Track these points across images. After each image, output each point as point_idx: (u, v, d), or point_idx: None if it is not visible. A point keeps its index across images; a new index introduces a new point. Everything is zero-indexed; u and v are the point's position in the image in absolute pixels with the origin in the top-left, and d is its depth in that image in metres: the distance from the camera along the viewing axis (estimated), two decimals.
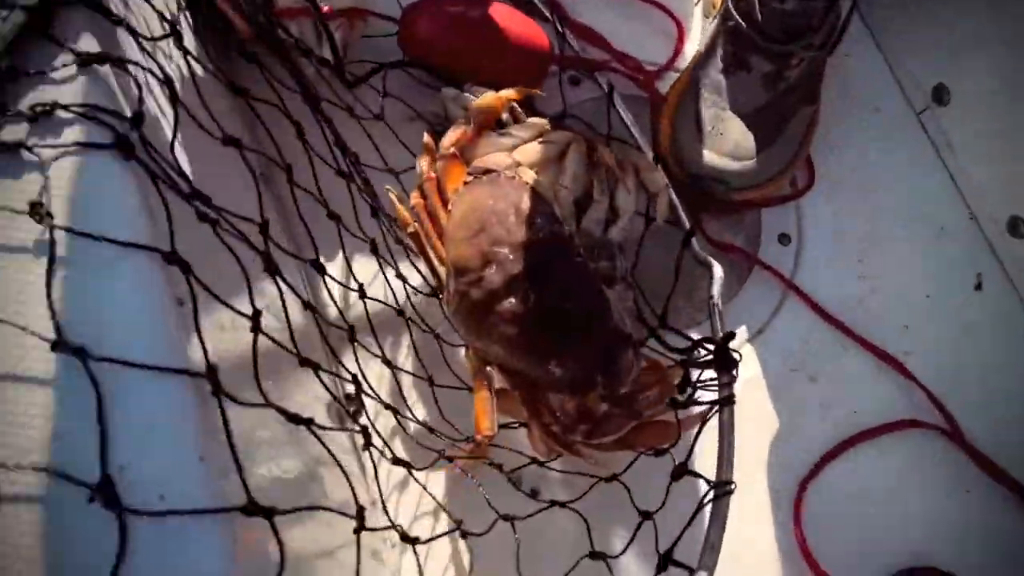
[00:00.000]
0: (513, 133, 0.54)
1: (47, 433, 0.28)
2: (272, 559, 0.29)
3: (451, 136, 0.53)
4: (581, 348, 0.47)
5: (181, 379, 0.29)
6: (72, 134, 0.31)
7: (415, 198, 0.54)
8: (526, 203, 0.49)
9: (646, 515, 0.46)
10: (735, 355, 0.47)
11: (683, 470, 0.46)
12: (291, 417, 0.32)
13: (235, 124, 0.51)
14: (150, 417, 0.28)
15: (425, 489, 0.53)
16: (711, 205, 0.66)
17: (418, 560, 0.46)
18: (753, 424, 0.61)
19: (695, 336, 0.52)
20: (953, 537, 0.58)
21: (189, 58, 0.37)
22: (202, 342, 0.29)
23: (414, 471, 0.50)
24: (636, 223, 0.55)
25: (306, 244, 0.50)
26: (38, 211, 0.30)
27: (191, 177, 0.35)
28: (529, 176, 0.51)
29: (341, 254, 0.54)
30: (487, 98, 0.54)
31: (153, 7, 0.38)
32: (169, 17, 0.39)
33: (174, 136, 0.34)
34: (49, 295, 0.29)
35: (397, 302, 0.56)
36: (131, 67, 0.33)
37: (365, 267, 0.57)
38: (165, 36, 0.37)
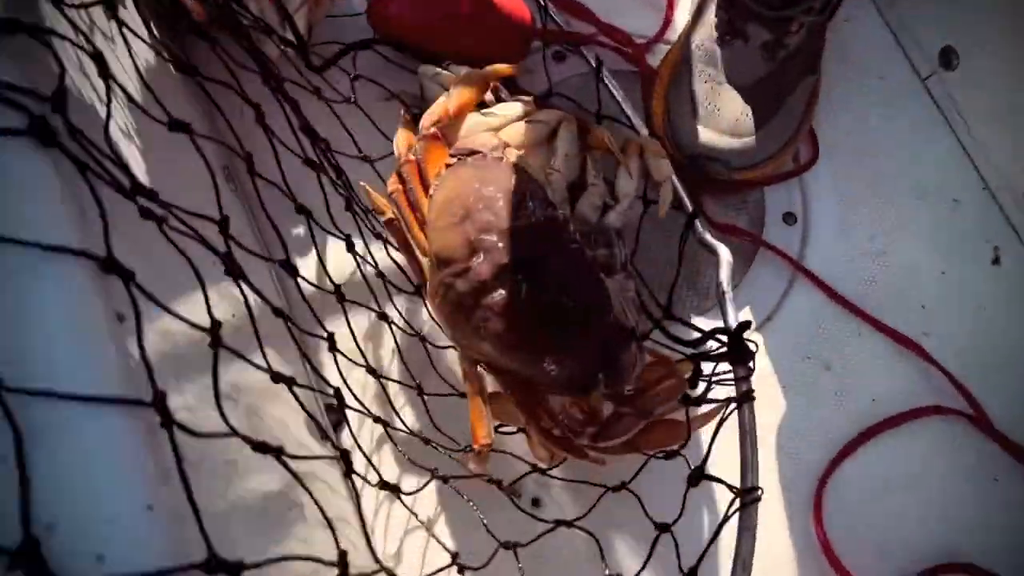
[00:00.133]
0: (498, 113, 0.50)
1: None
2: None
3: (431, 115, 0.49)
4: (579, 344, 0.43)
5: (122, 410, 0.24)
6: None
7: (393, 183, 0.49)
8: (516, 186, 0.44)
9: (663, 527, 0.42)
10: (751, 345, 0.44)
11: (701, 475, 0.42)
12: (257, 446, 0.28)
13: (188, 110, 0.46)
14: (83, 460, 0.23)
15: (416, 517, 0.50)
16: (710, 185, 0.62)
17: None
18: (766, 417, 0.57)
19: (702, 326, 0.48)
20: (982, 529, 0.55)
21: (125, 30, 0.32)
22: (147, 364, 0.24)
23: (402, 495, 0.46)
24: (635, 207, 0.51)
25: (275, 243, 0.45)
26: None
27: (142, 169, 0.29)
28: (518, 157, 0.46)
29: (314, 252, 0.48)
30: (472, 74, 0.50)
31: None
32: None
33: (108, 118, 0.28)
34: None
35: (378, 304, 0.51)
36: (53, 39, 0.28)
37: (341, 266, 0.52)
38: (94, 2, 0.32)
